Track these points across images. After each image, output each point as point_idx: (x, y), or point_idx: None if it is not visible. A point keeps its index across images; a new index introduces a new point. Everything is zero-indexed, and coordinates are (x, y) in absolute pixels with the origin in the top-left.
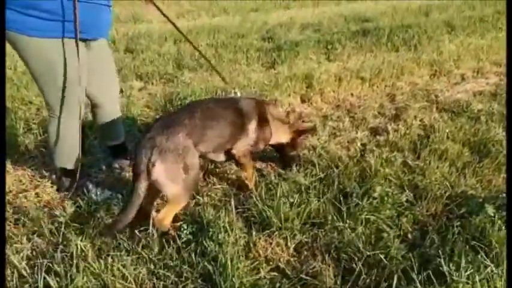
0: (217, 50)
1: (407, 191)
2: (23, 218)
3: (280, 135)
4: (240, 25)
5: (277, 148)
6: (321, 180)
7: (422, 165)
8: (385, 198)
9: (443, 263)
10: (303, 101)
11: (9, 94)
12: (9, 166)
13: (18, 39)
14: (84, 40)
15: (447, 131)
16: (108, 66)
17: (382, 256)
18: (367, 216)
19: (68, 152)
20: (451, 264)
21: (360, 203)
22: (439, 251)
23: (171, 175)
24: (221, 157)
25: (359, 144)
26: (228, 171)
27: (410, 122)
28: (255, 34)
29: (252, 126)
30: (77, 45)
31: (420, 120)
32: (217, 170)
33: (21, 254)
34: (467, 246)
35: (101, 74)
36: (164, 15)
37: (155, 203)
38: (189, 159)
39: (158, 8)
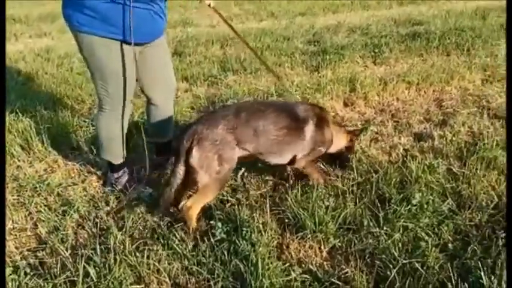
0: (262, 52)
1: (449, 199)
2: (69, 210)
3: (341, 141)
4: (286, 28)
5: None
6: (358, 184)
7: (468, 173)
8: (425, 206)
9: (483, 275)
10: (345, 105)
11: (64, 93)
12: (60, 160)
13: (76, 36)
14: (130, 43)
15: (497, 138)
16: (162, 64)
17: (418, 265)
18: (405, 223)
19: (113, 147)
20: (492, 277)
21: (398, 209)
22: (480, 262)
23: (205, 164)
24: (275, 160)
25: (401, 149)
26: (266, 172)
27: (458, 128)
28: (301, 37)
29: (309, 130)
30: (122, 48)
31: (469, 127)
32: (252, 172)
33: (66, 244)
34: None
35: (154, 72)
36: (222, 17)
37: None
38: (225, 153)
39: (217, 11)
